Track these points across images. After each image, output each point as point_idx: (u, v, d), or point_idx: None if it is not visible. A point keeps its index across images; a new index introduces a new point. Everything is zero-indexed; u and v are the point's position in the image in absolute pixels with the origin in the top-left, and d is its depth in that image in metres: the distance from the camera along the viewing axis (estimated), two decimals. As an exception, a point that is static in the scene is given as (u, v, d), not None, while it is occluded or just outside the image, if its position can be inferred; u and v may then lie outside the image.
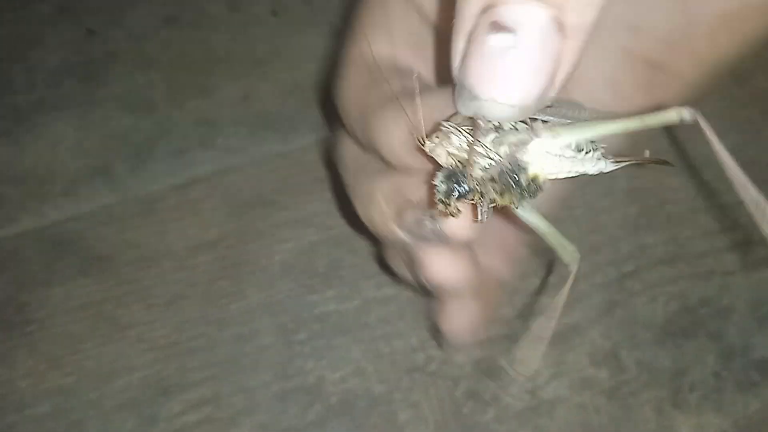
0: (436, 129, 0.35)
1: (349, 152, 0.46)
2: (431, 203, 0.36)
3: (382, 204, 0.41)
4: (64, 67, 0.72)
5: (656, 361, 0.58)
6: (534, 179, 0.34)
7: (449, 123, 0.34)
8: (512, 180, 0.34)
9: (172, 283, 0.61)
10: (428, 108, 0.36)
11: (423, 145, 0.35)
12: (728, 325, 0.59)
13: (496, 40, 0.29)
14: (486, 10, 0.29)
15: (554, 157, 0.34)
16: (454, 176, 0.34)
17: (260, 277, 0.61)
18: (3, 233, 0.63)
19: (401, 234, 0.41)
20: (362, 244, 0.62)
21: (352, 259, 0.62)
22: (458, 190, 0.34)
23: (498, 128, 0.34)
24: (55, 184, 0.66)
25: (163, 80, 0.71)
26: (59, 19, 0.73)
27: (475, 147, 0.33)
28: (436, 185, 0.34)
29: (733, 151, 0.66)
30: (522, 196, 0.34)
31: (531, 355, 0.36)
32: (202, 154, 0.67)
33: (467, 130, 0.34)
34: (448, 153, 0.35)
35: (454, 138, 0.34)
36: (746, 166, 0.65)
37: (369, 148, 0.41)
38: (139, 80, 0.70)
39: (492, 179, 0.34)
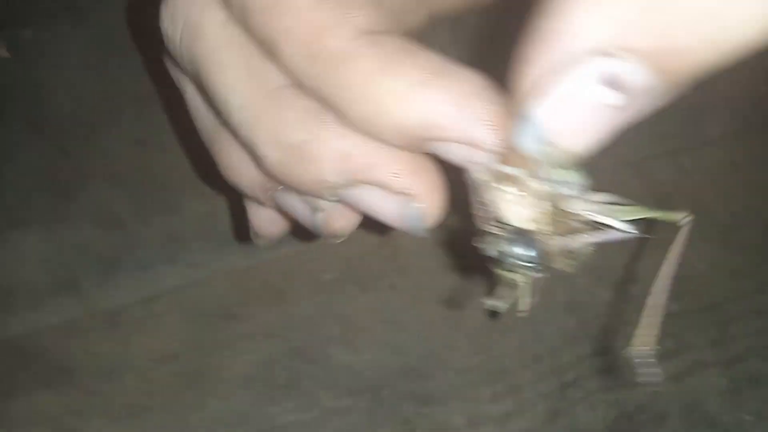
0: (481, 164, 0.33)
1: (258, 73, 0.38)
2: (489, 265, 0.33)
3: (325, 169, 0.36)
4: (35, 182, 0.75)
5: (598, 467, 0.61)
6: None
7: (510, 167, 0.32)
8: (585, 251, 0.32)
9: (133, 395, 0.62)
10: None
11: (486, 187, 0.32)
12: (663, 429, 0.64)
13: (604, 96, 0.27)
14: (600, 54, 0.26)
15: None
16: (524, 239, 0.31)
17: (221, 389, 0.63)
18: (-34, 345, 0.64)
19: (329, 198, 0.39)
20: (320, 356, 0.65)
21: (311, 370, 0.65)
22: (528, 260, 0.32)
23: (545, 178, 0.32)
24: (20, 296, 0.67)
25: (132, 197, 0.74)
26: (32, 138, 0.77)
27: (562, 207, 0.31)
28: (499, 247, 0.32)
29: (656, 268, 0.73)
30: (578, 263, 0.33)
31: (649, 332, 0.36)
32: (167, 269, 0.70)
33: (544, 181, 0.31)
34: (519, 205, 0.32)
35: (529, 187, 0.31)
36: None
37: (331, 96, 0.35)
38: (108, 197, 0.73)
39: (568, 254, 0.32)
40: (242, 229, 0.59)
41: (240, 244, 0.71)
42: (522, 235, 0.32)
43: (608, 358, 0.67)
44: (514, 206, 0.32)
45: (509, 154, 0.32)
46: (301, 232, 0.48)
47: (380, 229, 0.45)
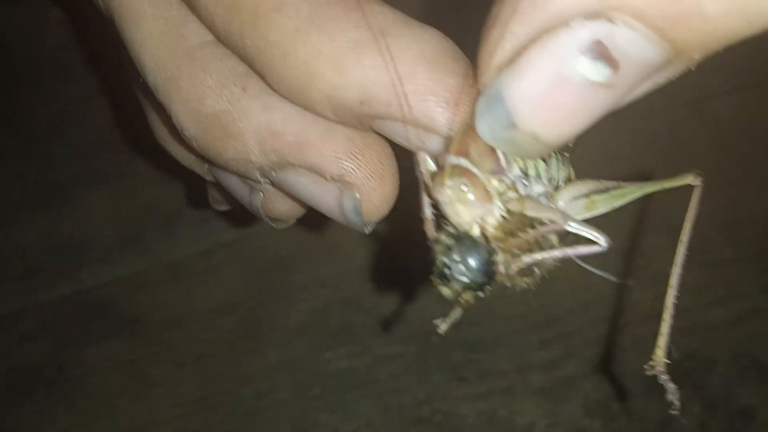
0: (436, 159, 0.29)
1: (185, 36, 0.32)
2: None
3: (250, 145, 0.31)
4: (97, 143, 0.78)
5: (645, 412, 0.62)
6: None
7: (469, 160, 0.27)
8: (543, 265, 0.29)
9: (197, 342, 0.66)
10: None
11: (438, 185, 0.27)
12: (712, 376, 0.64)
13: (589, 69, 0.23)
14: (591, 17, 0.22)
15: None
16: (479, 259, 0.27)
17: (278, 337, 0.67)
18: (44, 298, 0.69)
19: (261, 179, 0.33)
20: (372, 304, 0.67)
21: (363, 319, 0.67)
22: (480, 282, 0.27)
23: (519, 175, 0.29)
24: (89, 251, 0.72)
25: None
26: (96, 99, 0.80)
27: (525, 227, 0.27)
28: (444, 259, 0.27)
29: (713, 212, 0.71)
30: (538, 278, 0.30)
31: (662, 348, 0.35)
32: (224, 222, 0.73)
33: (506, 185, 0.28)
34: (473, 214, 0.27)
35: (486, 194, 0.27)
36: (725, 225, 0.70)
37: (260, 58, 0.30)
38: (167, 155, 0.76)
39: (527, 270, 0.28)
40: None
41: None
42: (466, 244, 0.27)
43: (658, 305, 0.67)
44: (462, 207, 0.27)
45: (466, 140, 0.27)
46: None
47: (316, 219, 0.39)
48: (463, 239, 0.27)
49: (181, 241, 0.72)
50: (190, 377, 0.65)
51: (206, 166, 0.40)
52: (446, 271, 0.27)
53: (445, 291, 0.27)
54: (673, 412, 0.34)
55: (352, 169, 0.31)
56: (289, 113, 0.30)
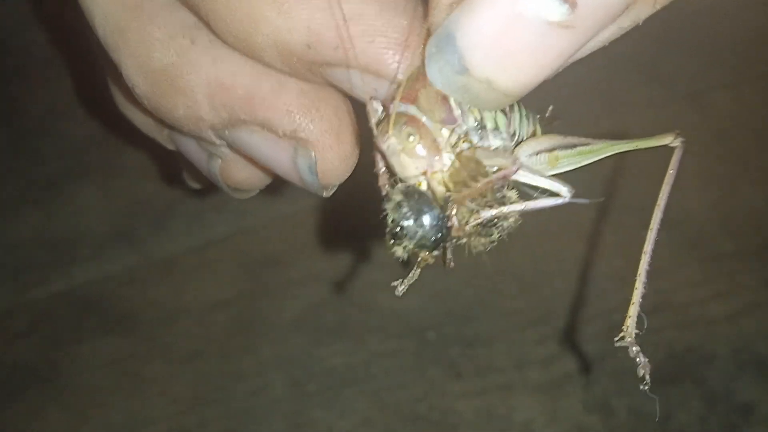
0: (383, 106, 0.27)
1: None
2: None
3: (199, 101, 0.30)
4: (90, 137, 0.77)
5: (644, 407, 0.61)
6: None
7: (417, 108, 0.25)
8: (500, 223, 0.27)
9: (190, 339, 0.66)
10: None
11: (382, 134, 0.25)
12: (712, 371, 0.63)
13: (546, 7, 0.21)
14: None
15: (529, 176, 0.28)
16: (431, 215, 0.25)
17: (272, 333, 0.66)
18: (35, 294, 0.68)
19: (215, 140, 0.32)
20: (368, 300, 0.67)
21: (358, 314, 0.66)
22: (435, 240, 0.26)
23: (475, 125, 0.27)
24: (82, 247, 0.71)
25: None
26: (86, 96, 0.79)
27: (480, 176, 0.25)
28: (394, 216, 0.26)
29: (712, 205, 0.71)
30: (498, 236, 0.28)
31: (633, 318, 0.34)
32: (217, 217, 0.72)
33: (458, 135, 0.26)
34: (418, 167, 0.25)
35: (435, 144, 0.26)
36: (724, 218, 0.69)
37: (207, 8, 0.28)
38: (159, 151, 0.75)
39: (484, 225, 0.27)
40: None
41: (286, 191, 0.72)
42: (417, 198, 0.25)
43: (657, 299, 0.66)
44: (408, 158, 0.25)
45: (415, 86, 0.26)
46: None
47: (275, 184, 0.37)
48: (413, 194, 0.25)
49: (173, 237, 0.71)
50: (183, 374, 0.64)
51: (165, 131, 0.38)
52: (397, 229, 0.25)
53: (399, 250, 0.26)
54: (643, 388, 0.35)
55: (306, 124, 0.29)
56: (240, 65, 0.29)
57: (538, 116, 0.35)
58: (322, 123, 0.30)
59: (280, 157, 0.31)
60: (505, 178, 0.26)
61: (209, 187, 0.44)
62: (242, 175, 0.36)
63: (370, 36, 0.26)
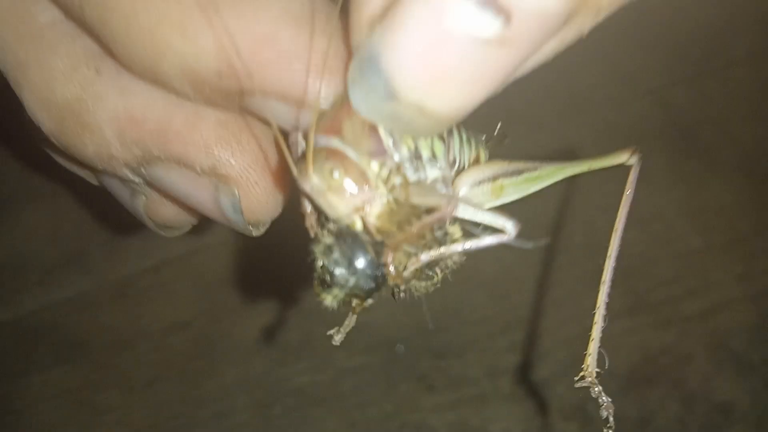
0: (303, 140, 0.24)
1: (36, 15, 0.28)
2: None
3: (108, 137, 0.27)
4: (35, 159, 0.74)
5: (622, 411, 0.60)
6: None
7: (340, 140, 0.22)
8: (442, 263, 0.25)
9: (148, 365, 0.62)
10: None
11: (303, 173, 0.22)
12: (689, 371, 0.61)
13: (476, 23, 0.18)
14: None
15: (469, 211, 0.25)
16: (365, 260, 0.23)
17: (234, 354, 0.63)
18: (-20, 325, 0.64)
19: (133, 179, 0.29)
20: (332, 315, 0.64)
21: (323, 330, 0.63)
22: (368, 288, 0.24)
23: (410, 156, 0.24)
24: (30, 272, 0.67)
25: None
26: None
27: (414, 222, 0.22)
28: (323, 261, 0.23)
29: (680, 202, 0.69)
30: (440, 278, 0.26)
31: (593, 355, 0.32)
32: (171, 237, 0.69)
33: (390, 168, 0.23)
34: (352, 206, 0.23)
35: (363, 178, 0.23)
36: (693, 215, 0.68)
37: (111, 38, 0.25)
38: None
39: (424, 268, 0.25)
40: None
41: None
42: (348, 242, 0.23)
43: (630, 300, 0.65)
44: (335, 197, 0.22)
45: (339, 116, 0.23)
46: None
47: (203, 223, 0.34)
48: (344, 236, 0.22)
49: (126, 258, 0.68)
50: (141, 402, 0.60)
51: (86, 170, 0.36)
52: (326, 276, 0.23)
53: (328, 299, 0.24)
54: (607, 428, 0.33)
55: (226, 158, 0.27)
56: (150, 97, 0.26)
57: (484, 137, 0.33)
58: (244, 156, 0.27)
59: (200, 195, 0.28)
60: (440, 220, 0.23)
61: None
62: (168, 213, 0.34)
63: (286, 61, 0.23)
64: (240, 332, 0.64)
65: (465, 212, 0.24)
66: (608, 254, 0.32)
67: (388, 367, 0.62)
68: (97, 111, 0.27)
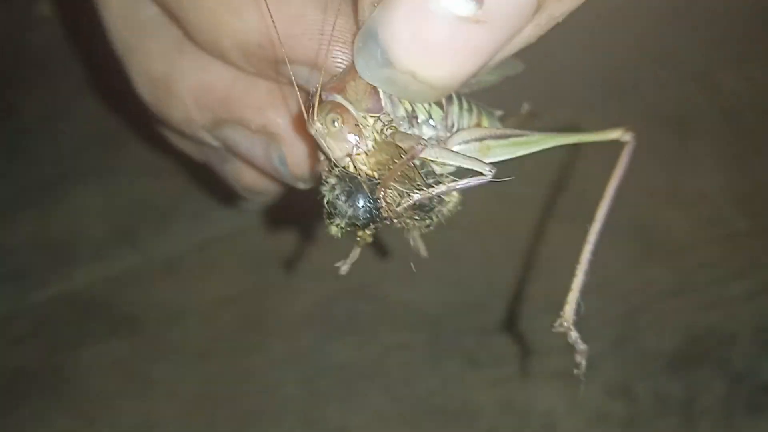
0: (318, 97, 0.28)
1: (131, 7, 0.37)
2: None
3: (189, 104, 0.34)
4: (88, 138, 0.76)
5: (668, 391, 0.60)
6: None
7: (344, 97, 0.27)
8: (436, 207, 0.29)
9: (197, 339, 0.64)
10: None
11: (310, 120, 0.27)
12: (734, 351, 0.61)
13: (456, 3, 0.22)
14: None
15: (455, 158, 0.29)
16: (361, 196, 0.27)
17: (281, 330, 0.64)
18: (35, 298, 0.66)
19: (212, 141, 0.36)
20: (378, 293, 0.65)
21: (369, 307, 0.65)
22: (365, 219, 0.27)
23: (405, 115, 0.28)
24: (81, 249, 0.69)
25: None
26: (83, 95, 0.77)
27: (403, 160, 0.26)
28: (328, 197, 0.27)
29: (725, 185, 0.69)
30: (435, 221, 0.29)
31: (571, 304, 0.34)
32: (220, 215, 0.70)
33: (384, 123, 0.28)
34: (349, 151, 0.27)
35: (358, 128, 0.27)
36: (738, 198, 0.68)
37: (186, 19, 0.33)
38: (159, 148, 0.74)
39: (416, 208, 0.28)
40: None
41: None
42: (347, 181, 0.27)
43: (676, 280, 0.65)
44: (333, 141, 0.27)
45: (346, 78, 0.27)
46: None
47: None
48: (346, 177, 0.27)
49: (175, 236, 0.69)
50: (191, 375, 0.62)
51: (194, 146, 0.42)
52: (330, 209, 0.27)
53: (333, 229, 0.28)
54: (577, 372, 0.34)
55: (274, 118, 0.33)
56: (219, 70, 0.33)
57: (501, 112, 0.36)
58: (287, 117, 0.33)
59: (256, 151, 0.35)
60: (412, 157, 0.26)
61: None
62: (249, 177, 0.40)
63: (310, 34, 0.29)
64: (286, 308, 0.65)
65: (445, 156, 0.28)
66: (595, 217, 0.35)
67: (432, 344, 0.62)
68: (180, 83, 0.34)
